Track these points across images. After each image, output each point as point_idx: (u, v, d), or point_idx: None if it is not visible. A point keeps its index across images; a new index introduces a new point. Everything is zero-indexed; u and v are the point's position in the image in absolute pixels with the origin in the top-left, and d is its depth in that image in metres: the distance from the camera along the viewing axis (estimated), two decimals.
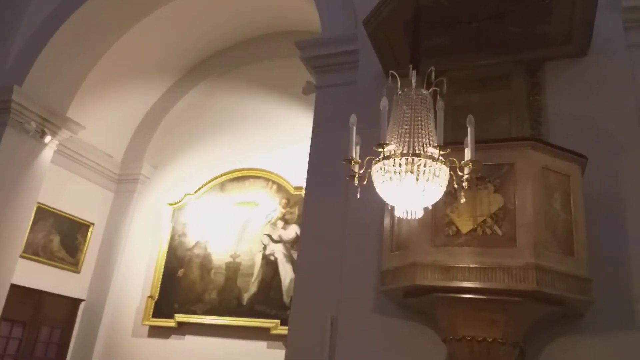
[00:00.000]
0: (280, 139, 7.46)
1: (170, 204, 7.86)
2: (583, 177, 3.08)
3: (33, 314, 6.99)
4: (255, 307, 6.73)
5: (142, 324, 7.28)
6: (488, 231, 2.85)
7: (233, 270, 7.08)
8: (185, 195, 7.82)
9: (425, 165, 2.36)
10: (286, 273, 6.73)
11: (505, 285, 2.72)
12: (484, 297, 2.78)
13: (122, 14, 6.67)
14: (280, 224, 7.07)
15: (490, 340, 2.81)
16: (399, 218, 2.98)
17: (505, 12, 3.47)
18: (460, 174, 2.47)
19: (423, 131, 2.45)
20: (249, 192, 7.45)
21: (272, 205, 7.23)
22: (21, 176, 6.18)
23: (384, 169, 2.41)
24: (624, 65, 3.64)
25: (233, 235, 7.28)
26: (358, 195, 2.49)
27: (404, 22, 3.46)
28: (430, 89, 2.59)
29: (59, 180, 7.44)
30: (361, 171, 2.50)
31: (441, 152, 2.41)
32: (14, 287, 6.21)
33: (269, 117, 7.71)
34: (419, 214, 2.52)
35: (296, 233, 6.76)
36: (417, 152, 2.40)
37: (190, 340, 6.99)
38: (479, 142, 2.51)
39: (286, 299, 6.49)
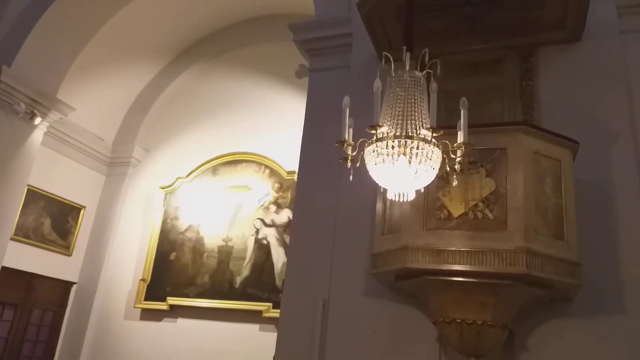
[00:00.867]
0: (273, 122, 7.43)
1: (162, 188, 7.85)
2: (574, 162, 3.10)
3: (24, 296, 6.99)
4: (247, 290, 6.77)
5: (134, 307, 7.30)
6: (479, 215, 2.87)
7: (225, 253, 7.10)
8: (177, 178, 7.81)
9: (418, 148, 2.35)
10: (278, 257, 6.77)
11: (496, 268, 2.75)
12: (475, 280, 2.81)
13: None
14: (273, 208, 7.09)
15: (479, 322, 2.85)
16: (391, 202, 3.00)
17: None
18: (452, 156, 2.47)
19: (416, 113, 2.44)
20: (242, 176, 7.45)
21: (264, 189, 7.24)
22: (11, 158, 6.13)
23: (377, 151, 2.40)
24: (617, 51, 3.65)
25: (225, 219, 7.28)
26: (351, 177, 2.48)
27: (397, 5, 3.44)
28: (424, 71, 2.57)
29: (49, 163, 7.39)
30: (354, 153, 2.49)
31: (434, 135, 2.40)
32: (5, 270, 6.20)
33: (262, 100, 7.67)
34: (411, 196, 2.52)
35: (288, 217, 6.78)
36: (410, 134, 2.39)
37: (183, 323, 7.02)
38: (471, 126, 2.50)
39: (278, 282, 6.52)
